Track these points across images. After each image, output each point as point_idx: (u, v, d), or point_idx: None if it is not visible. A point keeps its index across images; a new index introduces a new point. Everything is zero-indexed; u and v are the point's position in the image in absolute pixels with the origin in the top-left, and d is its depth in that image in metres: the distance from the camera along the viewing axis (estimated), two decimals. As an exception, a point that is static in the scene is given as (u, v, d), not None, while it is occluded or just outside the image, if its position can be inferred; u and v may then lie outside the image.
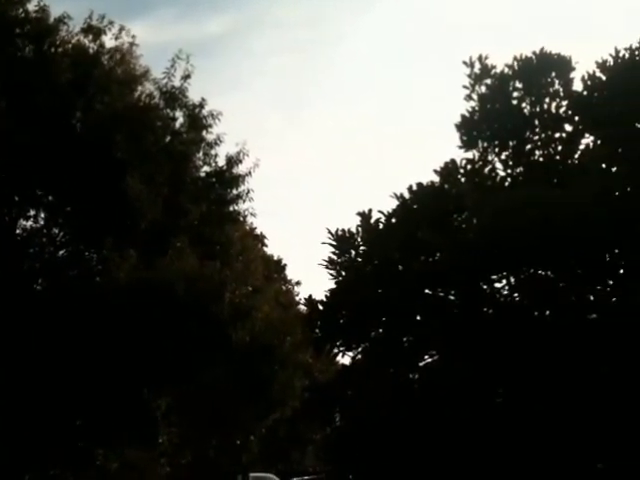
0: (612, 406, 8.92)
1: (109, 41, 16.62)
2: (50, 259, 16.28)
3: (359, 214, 11.17)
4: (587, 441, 8.96)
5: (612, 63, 10.17)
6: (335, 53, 70.82)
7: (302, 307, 14.20)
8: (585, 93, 10.28)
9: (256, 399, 18.04)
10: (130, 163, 15.22)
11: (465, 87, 11.04)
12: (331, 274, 11.21)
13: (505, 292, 10.21)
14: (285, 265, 29.09)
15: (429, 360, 10.79)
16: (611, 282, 9.50)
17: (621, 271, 9.53)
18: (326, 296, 11.14)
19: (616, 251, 9.42)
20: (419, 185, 11.09)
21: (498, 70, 10.88)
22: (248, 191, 17.10)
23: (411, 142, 61.23)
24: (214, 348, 15.49)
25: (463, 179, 10.86)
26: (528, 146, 10.70)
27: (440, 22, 68.00)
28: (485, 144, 10.88)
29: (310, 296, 11.45)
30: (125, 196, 14.80)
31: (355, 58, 71.28)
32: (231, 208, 17.16)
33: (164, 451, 17.04)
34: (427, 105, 59.69)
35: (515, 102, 10.70)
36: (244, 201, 17.17)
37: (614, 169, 9.79)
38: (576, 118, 10.36)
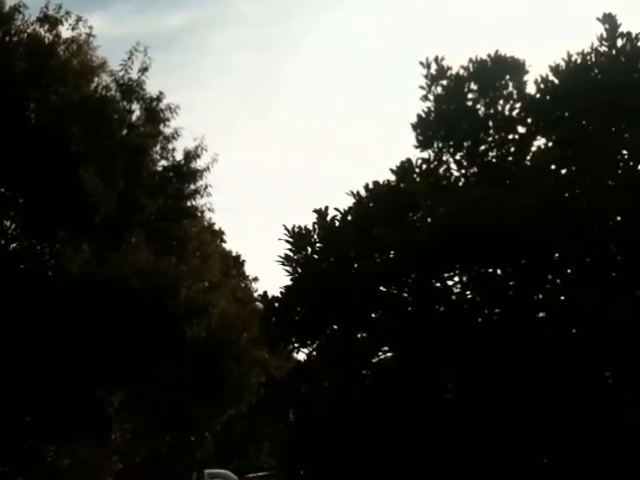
0: (559, 402, 9.13)
1: (65, 32, 16.40)
2: (1, 252, 15.97)
3: (315, 211, 11.22)
4: (534, 436, 9.16)
5: (564, 67, 10.37)
6: (300, 50, 70.73)
7: (259, 303, 14.20)
8: (538, 96, 10.47)
9: (211, 395, 17.97)
10: (85, 156, 15.01)
11: (422, 87, 11.15)
12: (287, 270, 11.23)
13: (457, 290, 10.36)
14: (244, 261, 29.04)
15: (382, 357, 10.89)
16: (559, 281, 9.72)
17: (569, 271, 9.76)
18: (281, 292, 11.17)
19: (564, 251, 9.64)
20: (375, 183, 11.18)
21: (454, 71, 11.01)
22: (206, 186, 17.07)
23: (375, 139, 61.57)
24: (169, 344, 15.39)
25: (418, 178, 10.97)
26: (482, 147, 10.85)
27: (404, 17, 68.43)
28: (440, 144, 11.01)
29: (265, 292, 11.48)
30: (79, 189, 14.61)
31: (320, 55, 71.41)
32: (189, 203, 17.09)
33: (117, 448, 16.86)
34: (392, 103, 60.09)
35: (470, 103, 10.84)
36: (202, 196, 17.13)
37: (564, 171, 10.01)
38: (529, 120, 10.55)
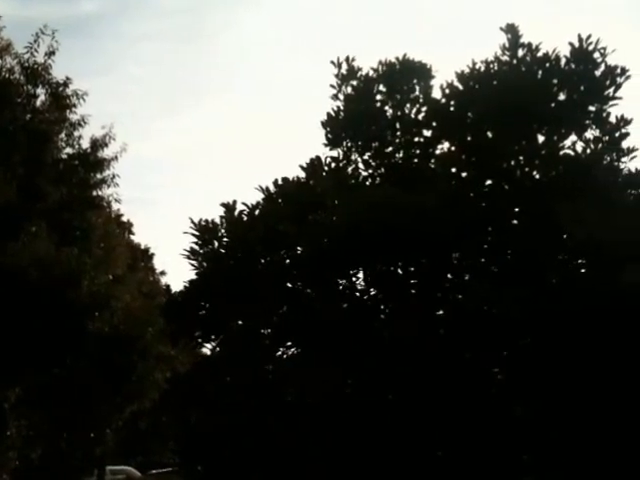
0: (453, 398, 9.44)
1: (-34, 10, 15.61)
2: None
3: (223, 205, 11.15)
4: (429, 430, 9.44)
5: (468, 74, 10.70)
6: (215, 43, 69.97)
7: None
8: (443, 101, 10.77)
9: (113, 391, 17.56)
10: (-16, 140, 14.38)
11: (332, 86, 11.27)
12: (192, 265, 11.12)
13: (361, 287, 10.54)
14: (153, 254, 28.44)
15: (287, 352, 10.95)
16: (457, 280, 10.06)
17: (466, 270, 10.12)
18: (185, 287, 11.05)
19: (462, 252, 9.98)
20: (284, 179, 11.22)
21: (364, 72, 11.18)
22: (114, 176, 16.69)
23: (289, 135, 61.65)
24: (70, 338, 14.95)
25: (327, 176, 11.07)
26: (389, 148, 11.07)
27: (324, 14, 68.80)
28: (349, 143, 11.16)
29: (168, 286, 11.33)
30: (-24, 175, 13.97)
31: (236, 49, 70.85)
32: (94, 193, 16.65)
33: (12, 444, 16.29)
34: (308, 99, 60.34)
35: (378, 105, 11.04)
36: (109, 186, 16.73)
37: (465, 174, 10.35)
38: (434, 124, 10.83)
